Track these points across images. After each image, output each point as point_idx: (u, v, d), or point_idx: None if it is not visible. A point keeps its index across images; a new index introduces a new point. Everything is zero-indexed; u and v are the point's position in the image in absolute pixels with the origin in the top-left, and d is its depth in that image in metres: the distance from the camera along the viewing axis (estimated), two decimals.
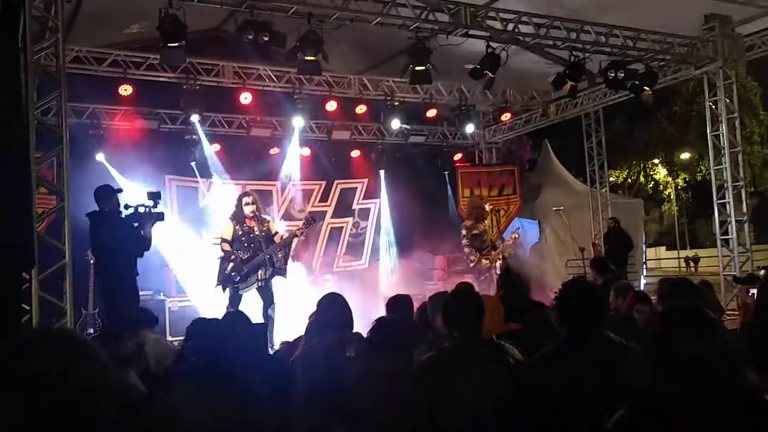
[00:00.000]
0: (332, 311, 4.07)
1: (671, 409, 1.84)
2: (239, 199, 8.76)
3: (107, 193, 6.96)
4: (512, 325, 4.31)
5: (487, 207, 10.49)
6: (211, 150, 12.03)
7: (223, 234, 8.68)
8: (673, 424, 1.83)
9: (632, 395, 1.97)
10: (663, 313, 2.07)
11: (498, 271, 9.36)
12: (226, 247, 8.48)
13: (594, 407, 2.15)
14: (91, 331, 9.18)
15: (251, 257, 8.41)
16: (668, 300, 4.26)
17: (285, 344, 6.06)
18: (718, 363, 1.86)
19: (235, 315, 5.01)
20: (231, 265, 8.39)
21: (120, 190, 7.14)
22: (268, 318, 8.28)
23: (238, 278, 8.37)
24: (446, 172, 14.61)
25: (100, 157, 10.90)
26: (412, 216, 13.46)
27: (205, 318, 3.50)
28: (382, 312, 5.31)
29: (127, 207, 7.10)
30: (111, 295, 6.94)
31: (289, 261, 9.10)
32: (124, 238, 6.88)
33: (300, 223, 9.56)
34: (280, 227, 10.14)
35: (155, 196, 7.22)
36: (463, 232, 9.94)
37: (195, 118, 11.20)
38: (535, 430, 3.07)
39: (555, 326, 3.36)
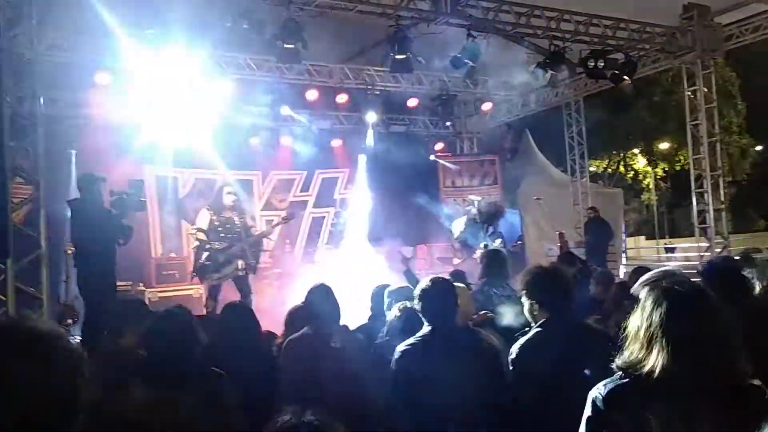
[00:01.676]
0: (321, 301, 4.09)
1: (660, 384, 1.86)
2: (220, 189, 8.71)
3: (91, 182, 6.82)
4: (485, 314, 4.32)
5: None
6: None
7: (199, 223, 8.63)
8: (658, 398, 1.85)
9: (622, 366, 1.99)
10: (664, 291, 2.07)
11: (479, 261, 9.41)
12: (201, 236, 8.43)
13: (571, 392, 2.16)
14: (70, 321, 9.08)
15: (228, 247, 8.37)
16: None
17: (266, 333, 6.02)
18: (715, 346, 1.89)
19: (236, 308, 4.91)
20: (206, 254, 8.34)
21: (104, 179, 6.98)
22: None
23: (213, 268, 8.32)
24: (426, 161, 14.57)
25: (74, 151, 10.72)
26: (392, 205, 13.45)
27: (173, 310, 3.41)
28: (364, 302, 5.31)
29: (112, 194, 6.98)
30: (90, 285, 6.84)
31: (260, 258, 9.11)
32: (105, 227, 6.77)
33: (279, 216, 9.57)
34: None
35: (137, 185, 7.12)
36: (462, 226, 9.98)
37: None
38: (515, 414, 3.08)
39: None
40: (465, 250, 10.91)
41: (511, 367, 3.23)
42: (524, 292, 3.36)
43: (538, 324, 3.27)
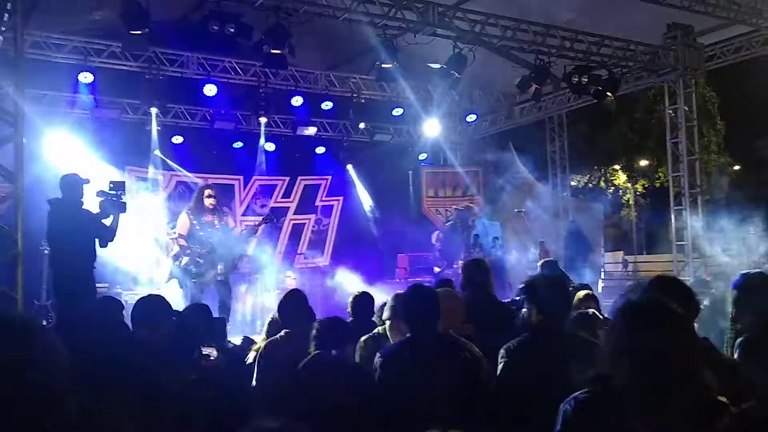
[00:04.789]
0: (294, 309, 4.10)
1: (625, 399, 1.86)
2: (200, 192, 8.62)
3: (74, 182, 6.68)
4: (466, 327, 4.30)
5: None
6: (157, 145, 11.78)
7: (179, 229, 8.53)
8: (625, 413, 1.85)
9: (590, 381, 1.99)
10: (626, 304, 2.07)
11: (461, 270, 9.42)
12: (182, 242, 8.33)
13: (556, 401, 2.16)
14: (44, 322, 8.96)
15: (209, 251, 8.29)
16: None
17: (247, 340, 5.99)
18: (676, 358, 1.88)
19: (194, 310, 4.92)
20: (186, 259, 8.24)
21: (87, 181, 6.84)
22: (225, 313, 8.17)
23: (195, 272, 8.23)
24: (409, 171, 14.64)
25: (56, 149, 10.62)
26: (375, 214, 13.47)
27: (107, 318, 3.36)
28: (343, 309, 5.31)
29: (99, 194, 6.87)
30: (66, 288, 6.70)
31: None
32: (84, 228, 6.65)
33: (259, 218, 9.51)
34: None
35: (119, 186, 7.00)
36: (441, 236, 10.02)
37: (153, 110, 10.99)
38: (495, 421, 3.08)
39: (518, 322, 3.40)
40: (445, 259, 10.96)
41: (498, 370, 3.23)
42: (525, 296, 3.38)
43: (531, 329, 3.29)
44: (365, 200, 13.84)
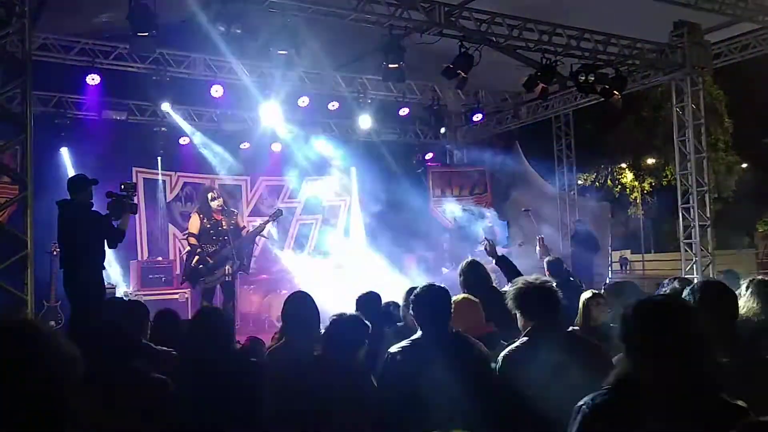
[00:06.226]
0: (299, 310, 4.10)
1: (647, 394, 1.86)
2: (203, 194, 8.69)
3: (82, 184, 6.72)
4: (488, 327, 4.30)
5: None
6: (190, 136, 11.89)
7: (190, 228, 8.60)
8: (644, 412, 1.85)
9: (611, 380, 1.99)
10: (641, 302, 2.08)
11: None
12: (193, 240, 8.41)
13: (558, 402, 2.17)
14: (53, 323, 9.02)
15: (218, 250, 8.35)
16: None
17: (250, 338, 6.00)
18: (695, 351, 1.89)
19: (207, 314, 4.90)
20: (197, 258, 8.31)
21: (95, 182, 6.91)
22: (230, 313, 8.22)
23: (205, 271, 8.29)
24: (417, 171, 14.63)
25: (63, 151, 10.73)
26: (382, 214, 13.46)
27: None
28: (351, 309, 5.30)
29: (109, 195, 6.92)
30: (77, 288, 6.74)
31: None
32: (94, 229, 6.70)
33: (266, 217, 9.54)
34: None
35: (130, 188, 7.06)
36: (448, 236, 10.02)
37: (166, 106, 11.03)
38: (503, 421, 3.09)
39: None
40: (452, 258, 10.96)
41: (496, 376, 3.24)
42: (510, 303, 3.38)
43: (525, 333, 3.29)
44: (371, 201, 13.82)
